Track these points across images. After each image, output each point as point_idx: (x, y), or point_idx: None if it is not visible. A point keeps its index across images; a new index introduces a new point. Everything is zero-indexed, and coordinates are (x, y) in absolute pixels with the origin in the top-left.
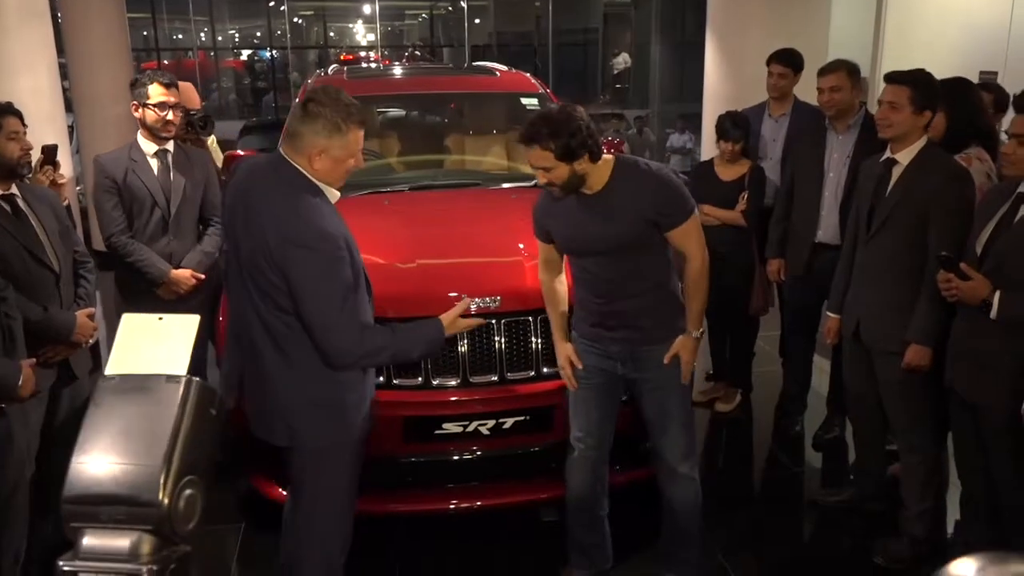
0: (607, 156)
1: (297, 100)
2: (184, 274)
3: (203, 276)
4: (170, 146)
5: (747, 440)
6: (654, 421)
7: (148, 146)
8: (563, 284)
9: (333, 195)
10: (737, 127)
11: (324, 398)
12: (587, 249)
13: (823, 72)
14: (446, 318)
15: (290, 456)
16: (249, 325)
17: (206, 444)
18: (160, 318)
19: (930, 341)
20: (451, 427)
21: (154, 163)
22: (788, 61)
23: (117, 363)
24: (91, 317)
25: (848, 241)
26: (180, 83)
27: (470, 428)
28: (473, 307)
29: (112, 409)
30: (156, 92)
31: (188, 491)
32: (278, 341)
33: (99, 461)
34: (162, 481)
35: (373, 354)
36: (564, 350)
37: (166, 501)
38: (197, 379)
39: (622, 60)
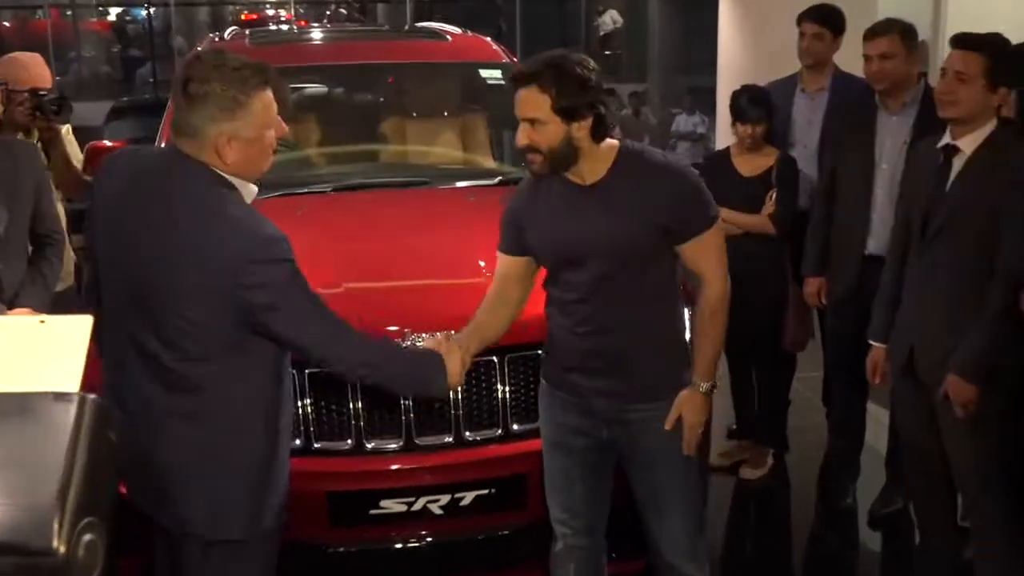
0: (611, 141)
1: (175, 82)
2: (23, 313)
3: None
4: None
5: (782, 516)
6: (648, 504)
7: None
8: (510, 308)
9: (250, 191)
10: (757, 105)
11: (243, 473)
12: (570, 254)
13: (871, 35)
14: (451, 359)
15: (180, 544)
16: (138, 385)
17: (106, 477)
18: (42, 320)
19: (977, 378)
20: (392, 505)
21: None
22: (824, 19)
23: None
24: None
25: (896, 249)
26: (23, 55)
27: (417, 506)
28: (419, 342)
29: None
30: None
31: (88, 536)
32: (185, 402)
33: None
34: (56, 525)
35: (368, 365)
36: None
37: (62, 549)
38: (92, 396)
39: (609, 20)
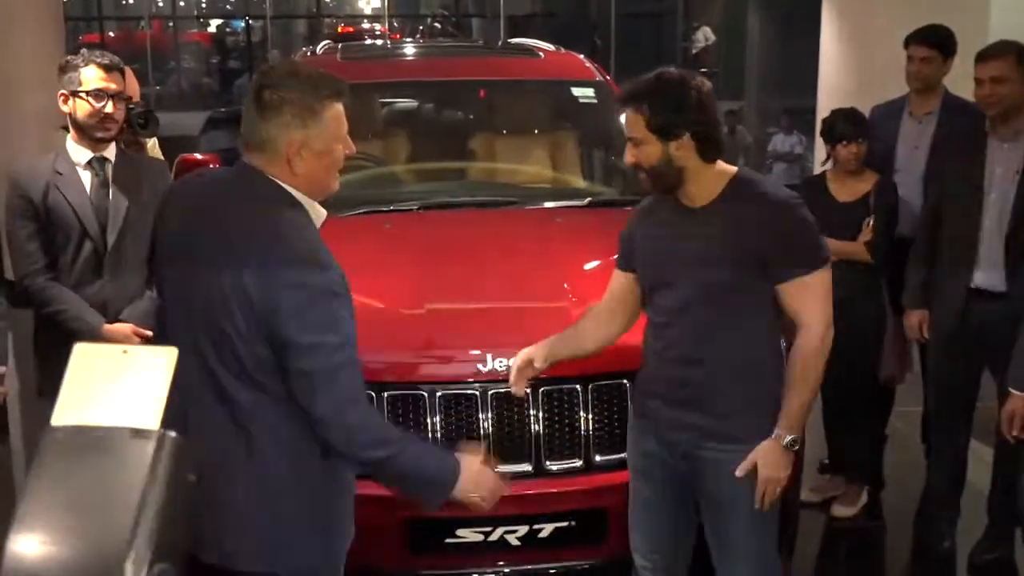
0: (726, 166)
1: (248, 92)
2: (123, 330)
3: (150, 333)
4: (111, 152)
5: (875, 558)
6: (714, 546)
7: (80, 153)
8: (604, 326)
9: (319, 213)
10: (853, 124)
11: (295, 506)
12: (662, 275)
13: (983, 57)
14: (470, 466)
15: None
16: (199, 399)
17: (182, 520)
18: (124, 351)
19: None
20: (468, 534)
21: (86, 176)
22: (935, 41)
23: (67, 410)
24: None
25: None
26: None
27: (494, 536)
28: (502, 369)
29: (61, 472)
30: (93, 77)
31: None
32: (240, 421)
33: (43, 541)
34: (128, 569)
35: (384, 444)
36: (528, 351)
37: None
38: (172, 434)
39: (701, 36)
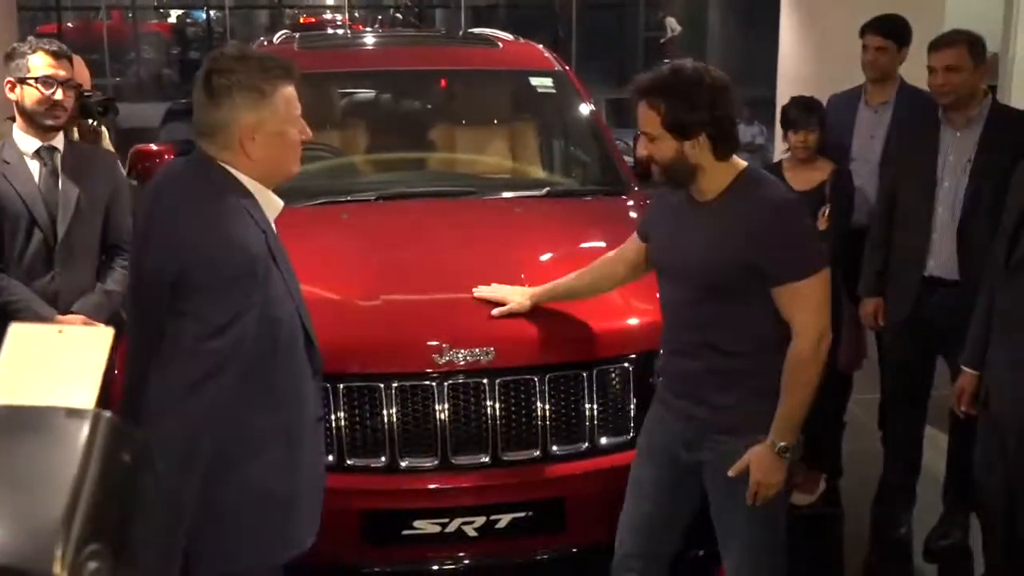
0: (738, 162)
1: (197, 80)
2: (75, 322)
3: (101, 326)
4: (59, 142)
5: (834, 545)
6: (719, 532)
7: (27, 142)
8: (601, 277)
9: (272, 203)
10: (808, 112)
11: (235, 494)
12: (670, 268)
13: (936, 46)
14: None
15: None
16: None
17: (118, 502)
18: (60, 330)
19: None
20: (425, 525)
21: (34, 166)
22: (889, 31)
23: (2, 390)
24: None
25: (993, 272)
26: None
27: (451, 527)
28: (460, 360)
29: None
30: (41, 64)
31: (93, 564)
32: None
33: None
34: (59, 551)
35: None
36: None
37: (63, 574)
38: (108, 414)
39: (669, 26)
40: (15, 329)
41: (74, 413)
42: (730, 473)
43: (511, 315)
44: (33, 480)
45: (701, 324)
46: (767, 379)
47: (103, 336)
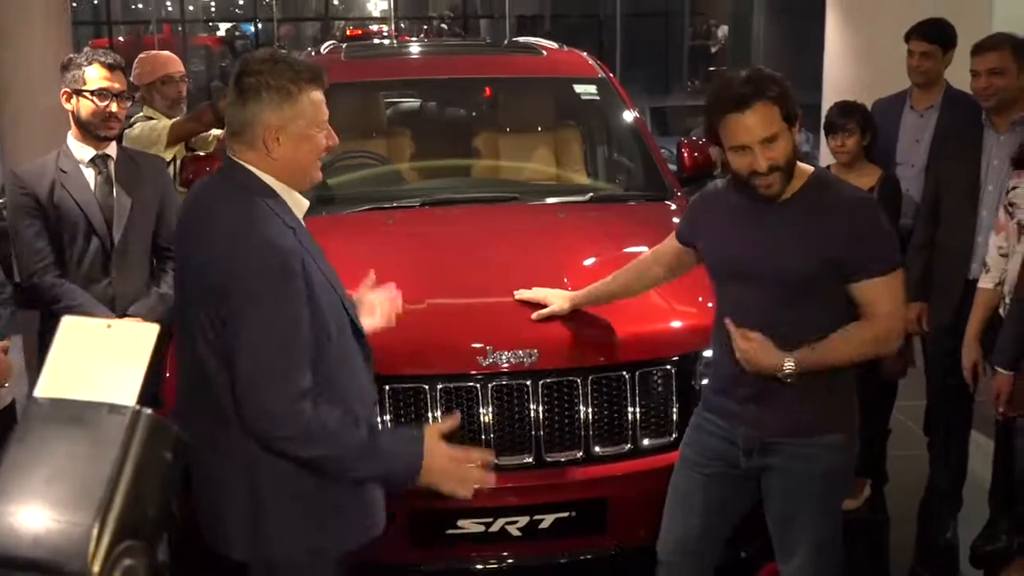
0: (802, 164)
1: (230, 81)
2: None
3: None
4: (112, 150)
5: (878, 550)
6: (778, 535)
7: (82, 150)
8: (650, 281)
9: (299, 204)
10: (848, 116)
11: (288, 492)
12: (735, 269)
13: (980, 49)
14: (430, 440)
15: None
16: (195, 387)
17: (155, 499)
18: (109, 325)
19: None
20: (469, 525)
21: (90, 174)
22: (934, 36)
23: (50, 383)
24: (5, 351)
25: None
26: (161, 53)
27: (494, 527)
28: (504, 362)
29: (39, 444)
30: (96, 77)
31: (127, 561)
32: (221, 403)
33: (18, 512)
34: (93, 546)
35: (311, 437)
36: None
37: (96, 571)
38: (148, 411)
39: (720, 35)
40: (67, 322)
41: (116, 409)
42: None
43: (554, 317)
44: (71, 475)
45: (776, 324)
46: (837, 379)
47: (149, 332)
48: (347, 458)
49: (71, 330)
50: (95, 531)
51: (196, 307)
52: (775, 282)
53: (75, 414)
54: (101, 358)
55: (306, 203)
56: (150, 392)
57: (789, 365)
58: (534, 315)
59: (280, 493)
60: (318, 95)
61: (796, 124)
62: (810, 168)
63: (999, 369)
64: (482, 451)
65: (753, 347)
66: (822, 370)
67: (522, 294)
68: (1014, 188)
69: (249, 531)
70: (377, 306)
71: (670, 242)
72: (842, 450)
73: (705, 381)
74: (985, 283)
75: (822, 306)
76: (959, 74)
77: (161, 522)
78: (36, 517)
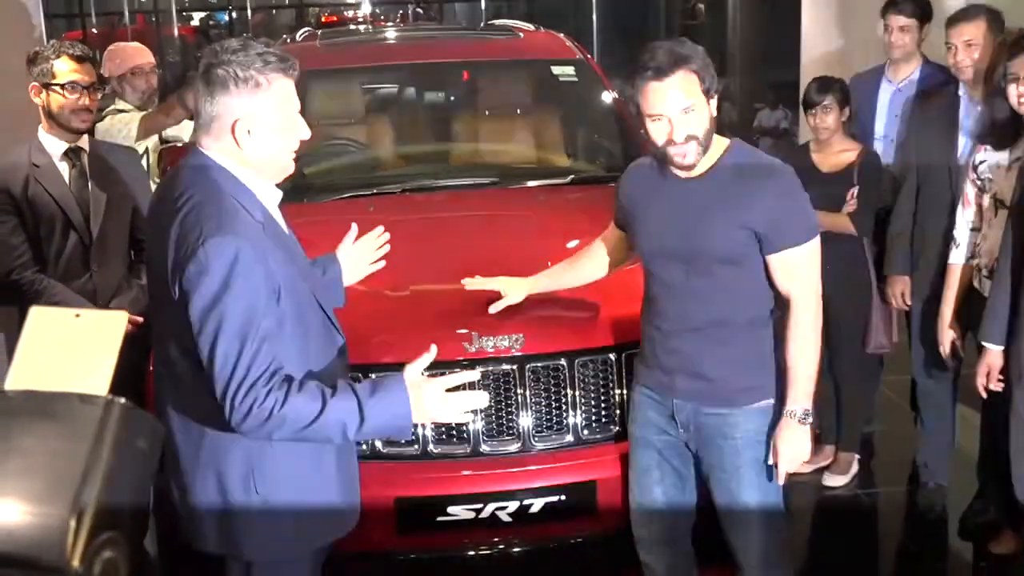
0: (719, 136)
1: (198, 73)
2: None
3: (141, 320)
4: (85, 143)
5: (867, 524)
6: (724, 513)
7: (54, 144)
8: (598, 261)
9: (271, 194)
10: (825, 92)
11: (267, 488)
12: (662, 247)
13: (955, 22)
14: (411, 383)
15: (226, 569)
16: (171, 385)
17: (132, 489)
18: (77, 315)
19: None
20: (459, 512)
21: (63, 168)
22: (911, 10)
23: (19, 375)
24: None
25: (1009, 246)
26: (129, 45)
27: (485, 513)
28: (490, 348)
29: (9, 437)
30: (65, 70)
31: (107, 553)
32: (190, 398)
33: None
34: (71, 538)
35: (284, 424)
36: (506, 286)
37: (76, 564)
38: (122, 401)
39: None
40: (35, 312)
41: (87, 399)
42: (770, 462)
43: (539, 300)
44: (45, 467)
45: (702, 298)
46: (762, 346)
47: (118, 320)
48: (333, 435)
49: (39, 321)
50: (72, 523)
51: (163, 301)
52: (698, 257)
53: (45, 406)
54: (70, 348)
55: (279, 194)
56: (134, 389)
57: (803, 414)
58: (491, 308)
59: (249, 488)
60: (288, 84)
61: (713, 97)
62: (726, 140)
63: (987, 344)
64: (465, 372)
65: (789, 453)
66: (739, 345)
67: (472, 284)
68: (981, 163)
69: (221, 526)
70: (355, 260)
71: (611, 229)
72: (768, 413)
73: None
74: (956, 259)
75: (747, 278)
76: (935, 47)
77: (139, 513)
78: (10, 511)
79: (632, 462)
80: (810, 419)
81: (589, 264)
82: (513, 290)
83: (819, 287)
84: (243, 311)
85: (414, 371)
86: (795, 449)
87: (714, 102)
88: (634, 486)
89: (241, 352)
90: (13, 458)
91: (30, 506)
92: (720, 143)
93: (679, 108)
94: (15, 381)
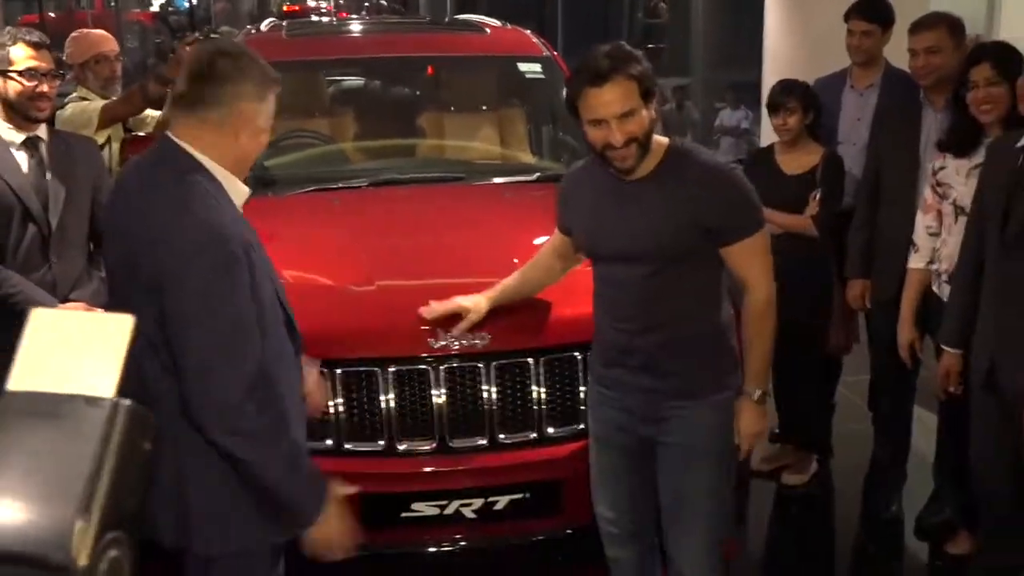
0: (659, 137)
1: (193, 62)
2: (77, 308)
3: (101, 312)
4: (42, 131)
5: (825, 524)
6: (670, 509)
7: (12, 134)
8: (541, 273)
9: (240, 192)
10: (790, 95)
11: (216, 479)
12: (613, 250)
13: (916, 28)
14: (335, 500)
15: (183, 561)
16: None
17: (135, 489)
18: (82, 317)
19: None
20: (424, 508)
21: (22, 157)
22: (873, 15)
23: (23, 376)
24: None
25: (969, 252)
26: (93, 31)
27: (449, 509)
28: (456, 346)
29: (15, 439)
30: (22, 57)
31: (112, 552)
32: (152, 391)
33: None
34: (77, 537)
35: (254, 435)
36: (466, 303)
37: (83, 563)
38: (128, 402)
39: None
40: (36, 314)
41: (94, 401)
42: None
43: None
44: (52, 468)
45: (658, 296)
46: (720, 339)
47: (125, 323)
48: (270, 467)
49: (41, 322)
50: (79, 523)
51: (126, 294)
52: (651, 257)
53: (52, 407)
54: (76, 350)
55: (247, 191)
56: None
57: (760, 394)
58: (454, 329)
59: (206, 484)
60: (273, 99)
61: (652, 100)
62: (666, 140)
63: (946, 348)
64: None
65: (747, 429)
66: (696, 339)
67: (432, 309)
68: (941, 169)
69: (177, 520)
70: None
71: (556, 236)
72: (730, 407)
73: None
74: (915, 263)
75: (701, 273)
76: (897, 52)
77: (139, 512)
78: (18, 511)
79: (592, 460)
80: (767, 400)
81: (541, 273)
82: (475, 308)
83: (772, 273)
84: (233, 310)
85: (339, 494)
86: (754, 427)
87: (654, 104)
88: (596, 485)
89: (230, 354)
90: (22, 458)
91: (39, 506)
92: (660, 144)
93: (617, 113)
94: (17, 382)
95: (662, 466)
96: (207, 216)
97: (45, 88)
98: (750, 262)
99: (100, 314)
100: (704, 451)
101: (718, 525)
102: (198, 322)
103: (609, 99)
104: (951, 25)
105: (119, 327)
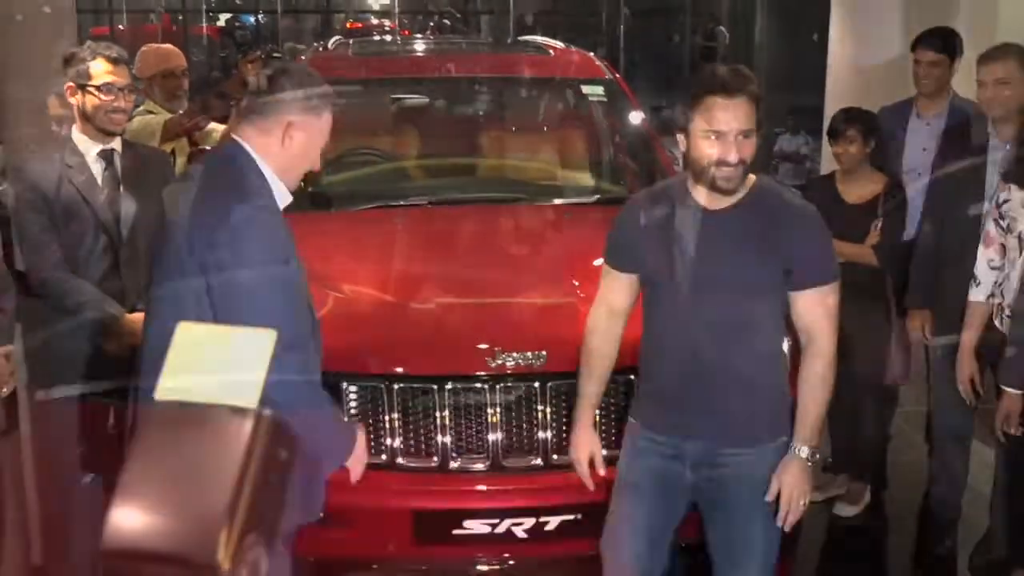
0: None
1: (263, 72)
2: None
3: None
4: (117, 144)
5: (877, 556)
6: (722, 553)
7: (87, 145)
8: (617, 341)
9: (284, 195)
10: (852, 124)
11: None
12: (693, 282)
13: (986, 59)
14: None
15: None
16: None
17: (275, 496)
18: (226, 331)
19: None
20: (475, 526)
21: (97, 169)
22: (941, 45)
23: (170, 386)
24: (7, 357)
25: None
26: (163, 47)
27: (501, 528)
28: (511, 364)
29: (163, 445)
30: (101, 71)
31: (251, 553)
32: None
33: (145, 510)
34: (223, 539)
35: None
36: (587, 441)
37: (227, 565)
38: (268, 413)
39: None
40: (183, 327)
41: (238, 411)
42: (768, 499)
43: (562, 318)
44: (200, 474)
45: (720, 332)
46: (779, 383)
47: (268, 337)
48: (320, 428)
49: (187, 333)
50: (224, 526)
51: (182, 280)
52: (731, 289)
53: (197, 416)
54: (220, 362)
55: (289, 196)
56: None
57: (808, 454)
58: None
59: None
60: (329, 118)
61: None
62: (753, 175)
63: (1006, 388)
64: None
65: (792, 492)
66: (759, 383)
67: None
68: (1006, 201)
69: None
70: None
71: (615, 284)
72: (782, 451)
73: None
74: (976, 296)
75: (764, 312)
76: (963, 82)
77: (277, 517)
78: (166, 514)
79: (615, 505)
80: (815, 458)
81: (608, 348)
82: (594, 452)
83: (836, 328)
84: (287, 303)
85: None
86: (799, 488)
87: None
88: (610, 533)
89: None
90: (170, 464)
91: (185, 512)
92: (748, 178)
93: (741, 128)
94: (165, 392)
95: (714, 512)
96: (267, 222)
97: (121, 103)
98: (816, 313)
99: (243, 328)
100: (760, 501)
101: (770, 566)
102: (248, 291)
103: (736, 113)
104: (1021, 56)
105: (261, 340)
